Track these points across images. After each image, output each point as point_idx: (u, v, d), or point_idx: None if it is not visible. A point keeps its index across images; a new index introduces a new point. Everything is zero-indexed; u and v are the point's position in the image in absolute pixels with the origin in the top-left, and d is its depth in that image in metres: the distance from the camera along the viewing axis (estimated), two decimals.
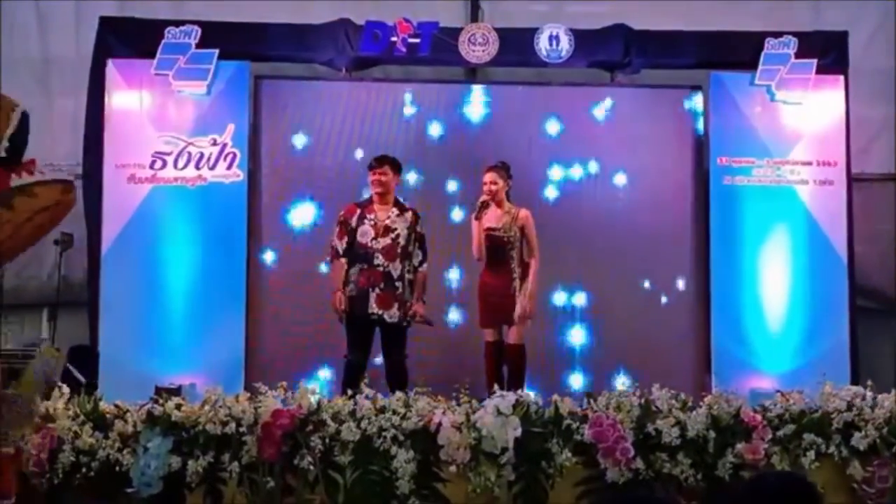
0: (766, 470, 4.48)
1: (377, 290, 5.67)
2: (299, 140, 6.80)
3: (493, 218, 5.84)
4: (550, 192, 6.79)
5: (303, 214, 6.73)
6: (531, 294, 5.81)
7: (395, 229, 5.77)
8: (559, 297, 6.72)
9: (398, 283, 5.73)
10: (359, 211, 5.83)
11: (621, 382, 6.19)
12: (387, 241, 5.74)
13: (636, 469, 4.56)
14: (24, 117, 3.31)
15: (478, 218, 5.84)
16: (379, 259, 5.71)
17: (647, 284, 6.80)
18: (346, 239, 5.80)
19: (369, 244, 5.73)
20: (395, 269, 5.73)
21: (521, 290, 5.76)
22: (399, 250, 5.75)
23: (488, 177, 5.87)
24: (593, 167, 6.88)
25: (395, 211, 5.84)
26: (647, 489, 4.48)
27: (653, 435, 4.63)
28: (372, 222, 5.77)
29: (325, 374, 6.49)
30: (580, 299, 6.77)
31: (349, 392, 4.83)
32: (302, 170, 6.81)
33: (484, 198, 5.83)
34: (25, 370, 3.42)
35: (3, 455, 3.36)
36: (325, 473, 4.52)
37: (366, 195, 6.02)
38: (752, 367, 6.52)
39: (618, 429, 4.59)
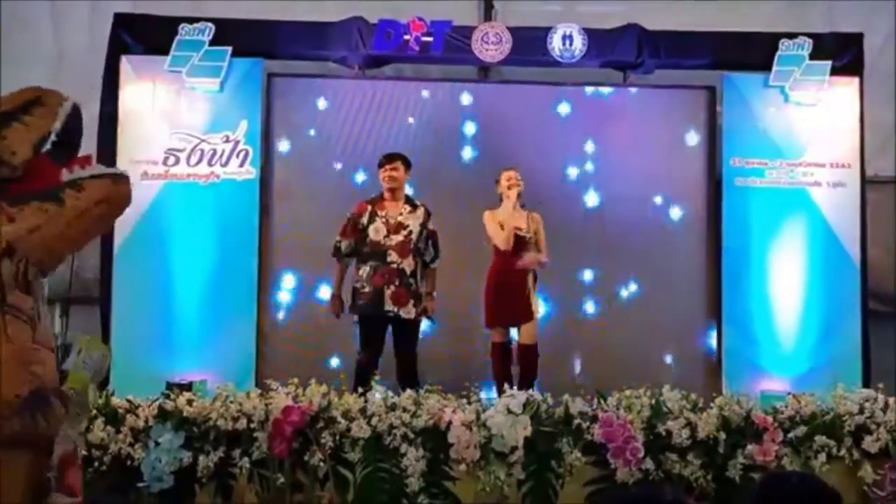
0: (785, 470, 4.47)
1: (392, 287, 5.67)
2: (312, 137, 6.81)
3: (519, 219, 5.84)
4: (562, 193, 6.77)
5: (314, 212, 6.73)
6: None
7: (408, 226, 5.77)
8: (568, 298, 6.71)
9: (412, 280, 5.73)
10: (370, 208, 5.83)
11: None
12: (399, 237, 5.74)
13: (646, 469, 4.57)
14: (75, 110, 3.31)
15: (523, 205, 5.82)
16: (392, 256, 5.71)
17: (658, 284, 6.78)
18: (352, 238, 5.80)
19: (382, 241, 5.73)
20: (409, 265, 5.73)
21: (534, 290, 5.78)
22: (412, 247, 5.75)
23: (513, 173, 5.86)
24: (605, 167, 6.87)
25: (407, 207, 5.84)
26: (656, 488, 4.47)
27: (663, 435, 4.64)
28: (384, 219, 5.77)
29: (335, 361, 6.49)
30: (590, 300, 6.75)
31: (360, 390, 4.84)
32: (314, 167, 6.82)
33: (518, 190, 5.80)
34: (73, 364, 3.43)
35: (64, 452, 3.38)
36: (334, 470, 4.54)
37: (377, 192, 6.03)
38: (764, 369, 6.49)
39: (628, 429, 4.60)
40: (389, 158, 5.89)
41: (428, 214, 5.88)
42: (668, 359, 6.68)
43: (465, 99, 6.95)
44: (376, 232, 5.75)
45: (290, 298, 6.71)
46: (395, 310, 5.67)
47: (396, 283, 5.68)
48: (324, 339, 6.56)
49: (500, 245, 5.76)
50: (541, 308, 6.15)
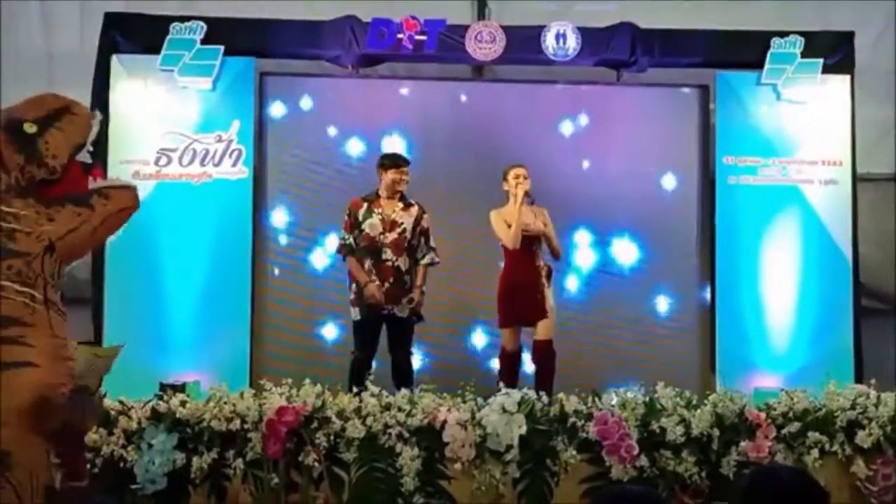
0: (774, 464, 4.49)
1: (387, 284, 5.65)
2: (305, 137, 6.80)
3: (527, 215, 5.78)
4: (556, 190, 6.76)
5: (308, 211, 6.73)
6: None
7: (402, 223, 5.75)
8: (562, 295, 6.71)
9: (406, 278, 5.72)
10: (365, 205, 5.81)
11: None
12: (394, 235, 5.72)
13: (640, 467, 4.58)
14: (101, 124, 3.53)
15: (531, 202, 5.76)
16: (388, 253, 5.70)
17: (652, 283, 6.80)
18: (353, 235, 5.79)
19: (377, 238, 5.72)
20: (404, 263, 5.72)
21: (549, 287, 5.74)
22: (406, 245, 5.74)
23: (521, 171, 5.79)
24: (599, 165, 6.88)
25: (401, 205, 5.82)
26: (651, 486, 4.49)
27: (657, 433, 4.66)
28: (380, 216, 5.76)
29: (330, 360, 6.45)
30: (583, 296, 6.76)
31: (355, 389, 4.84)
32: (307, 166, 6.80)
33: (524, 188, 5.72)
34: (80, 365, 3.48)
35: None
36: (329, 470, 4.54)
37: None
38: (757, 365, 6.50)
39: (622, 426, 4.61)
40: (403, 161, 5.86)
41: (422, 212, 5.86)
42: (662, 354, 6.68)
43: (459, 98, 6.95)
44: (372, 228, 5.73)
45: (283, 298, 6.69)
46: (390, 307, 5.66)
47: (392, 280, 5.67)
48: (318, 339, 6.56)
49: (508, 244, 5.71)
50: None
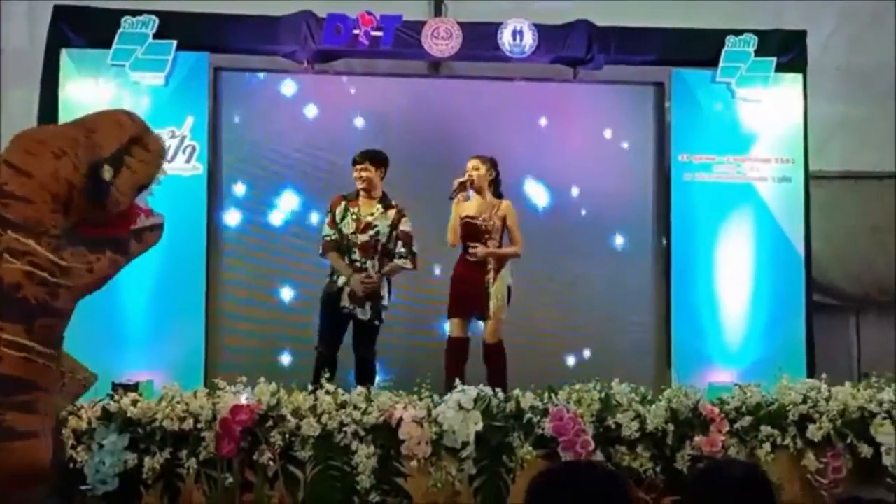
0: (726, 458, 4.53)
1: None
2: (260, 133, 6.74)
3: (471, 206, 5.76)
4: (510, 188, 6.75)
5: (263, 208, 6.67)
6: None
7: (376, 226, 5.67)
8: (518, 290, 6.71)
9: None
10: (343, 203, 5.74)
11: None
12: (365, 237, 5.65)
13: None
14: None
15: (451, 198, 5.71)
16: (356, 254, 5.63)
17: (607, 278, 6.84)
18: (335, 232, 5.70)
19: (348, 237, 5.65)
20: (372, 266, 5.64)
21: (494, 284, 5.67)
22: (379, 248, 5.67)
23: (471, 163, 5.79)
24: (555, 163, 6.90)
25: (380, 207, 5.72)
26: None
27: (613, 428, 4.67)
28: (354, 216, 5.68)
29: (286, 359, 6.46)
30: (538, 293, 6.76)
31: (320, 384, 4.79)
32: (262, 163, 6.74)
33: (462, 179, 5.72)
34: None
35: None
36: (284, 469, 4.49)
37: (328, 188, 5.98)
38: (711, 360, 6.57)
39: (578, 422, 4.62)
40: (361, 157, 5.77)
41: (401, 216, 5.75)
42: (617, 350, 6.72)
43: (416, 94, 6.92)
44: (347, 227, 5.66)
45: (239, 296, 6.62)
46: (351, 307, 5.61)
47: None
48: (274, 337, 6.51)
49: (448, 239, 5.73)
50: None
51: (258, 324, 6.59)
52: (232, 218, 6.67)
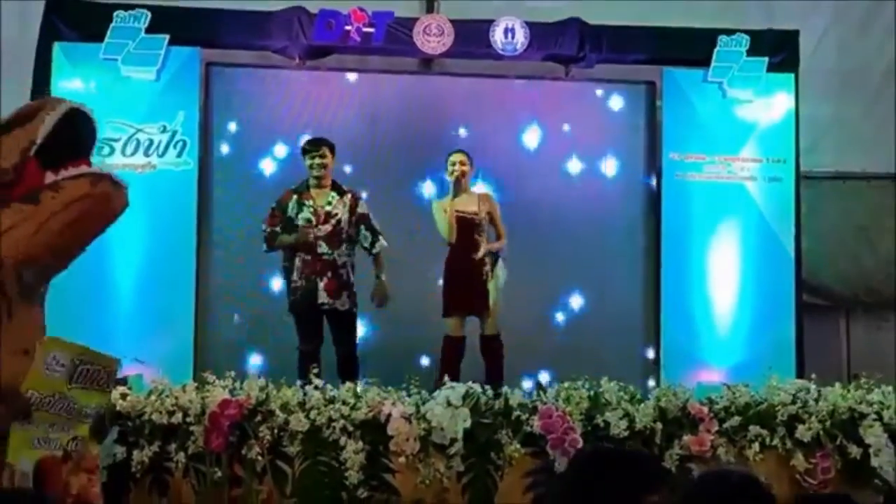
0: (726, 468, 4.51)
1: (325, 279, 5.56)
2: (251, 128, 6.73)
3: (461, 202, 5.75)
4: (502, 185, 6.77)
5: (253, 203, 6.65)
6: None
7: (336, 214, 5.61)
8: (508, 288, 6.71)
9: (342, 271, 5.61)
10: (295, 197, 5.66)
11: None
12: (328, 227, 5.60)
13: None
14: (70, 117, 3.31)
15: (455, 195, 5.71)
16: (322, 247, 5.58)
17: (598, 277, 6.84)
18: (279, 226, 5.64)
19: (310, 231, 5.58)
20: (340, 255, 5.60)
21: (492, 276, 5.71)
22: (344, 236, 5.63)
23: (458, 157, 5.78)
24: (546, 161, 6.90)
25: (334, 195, 5.66)
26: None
27: (601, 426, 4.66)
28: (311, 209, 5.61)
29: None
30: (530, 291, 6.76)
31: (308, 380, 4.78)
32: (253, 158, 6.73)
33: (457, 175, 5.71)
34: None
35: (43, 458, 3.34)
36: (273, 464, 4.48)
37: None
38: (701, 360, 6.58)
39: (567, 420, 4.62)
40: (316, 145, 5.68)
41: (356, 200, 5.72)
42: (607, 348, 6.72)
43: (407, 91, 6.92)
44: (305, 222, 5.58)
45: (228, 291, 6.61)
46: (330, 302, 5.58)
47: (329, 274, 5.56)
48: (262, 332, 6.50)
49: (443, 235, 5.72)
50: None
51: (248, 318, 6.57)
52: (222, 213, 6.66)
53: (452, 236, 5.71)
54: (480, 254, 5.67)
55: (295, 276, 5.63)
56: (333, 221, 5.60)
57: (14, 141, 3.24)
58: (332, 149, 5.72)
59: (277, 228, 5.67)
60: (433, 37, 6.64)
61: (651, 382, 6.29)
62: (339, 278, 5.59)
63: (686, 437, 4.71)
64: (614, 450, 2.79)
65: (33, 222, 3.22)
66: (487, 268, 5.72)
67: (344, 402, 4.58)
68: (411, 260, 6.23)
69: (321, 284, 5.56)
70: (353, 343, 5.72)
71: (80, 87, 6.41)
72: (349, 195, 5.71)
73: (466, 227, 5.71)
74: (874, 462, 4.81)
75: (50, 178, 3.27)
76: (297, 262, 5.62)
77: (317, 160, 5.63)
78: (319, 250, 5.58)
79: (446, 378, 4.88)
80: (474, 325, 5.80)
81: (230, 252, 6.64)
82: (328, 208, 5.62)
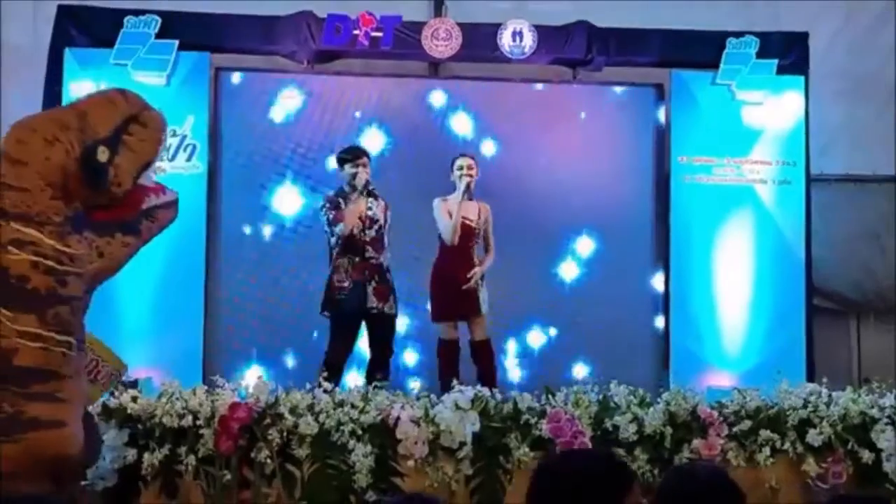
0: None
1: (374, 283, 5.56)
2: (260, 132, 6.75)
3: (467, 208, 5.75)
4: (511, 188, 6.77)
5: (262, 207, 6.68)
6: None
7: (378, 220, 5.65)
8: (518, 292, 6.71)
9: (388, 275, 5.65)
10: (341, 202, 5.64)
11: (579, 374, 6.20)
12: (373, 232, 5.62)
13: None
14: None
15: (470, 199, 5.72)
16: (370, 251, 5.59)
17: (606, 281, 6.83)
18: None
19: (358, 236, 5.57)
20: (385, 260, 5.64)
21: (483, 283, 5.72)
22: (386, 241, 5.67)
23: (466, 161, 5.77)
24: (555, 164, 6.90)
25: (372, 200, 5.68)
26: None
27: (610, 430, 4.65)
28: (357, 214, 5.60)
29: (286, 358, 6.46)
30: (539, 295, 6.76)
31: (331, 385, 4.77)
32: (262, 162, 6.75)
33: (467, 180, 5.70)
34: None
35: None
36: (282, 467, 4.48)
37: (327, 188, 5.94)
38: (710, 364, 6.57)
39: (575, 424, 4.60)
40: (356, 154, 5.71)
41: (387, 205, 5.77)
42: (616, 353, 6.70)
43: (415, 95, 6.93)
44: (352, 226, 5.57)
45: (237, 294, 6.63)
46: (379, 306, 5.57)
47: (377, 278, 5.57)
48: (273, 335, 6.53)
49: (446, 237, 5.71)
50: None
51: (257, 322, 6.58)
52: (231, 216, 6.68)
53: (455, 240, 5.71)
54: (476, 277, 5.66)
55: (342, 277, 5.56)
56: (376, 227, 5.63)
57: (130, 161, 3.19)
58: (369, 156, 5.76)
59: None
60: (441, 41, 6.65)
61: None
62: (385, 283, 5.61)
63: (696, 442, 4.69)
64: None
65: (131, 251, 3.23)
66: (479, 272, 5.72)
67: (353, 406, 4.58)
68: (422, 261, 6.21)
69: (370, 288, 5.54)
70: (392, 346, 5.72)
71: (91, 92, 6.42)
72: (382, 202, 5.73)
73: (467, 233, 5.74)
74: (886, 467, 4.76)
75: (146, 202, 3.28)
76: (345, 263, 5.57)
77: (360, 169, 5.63)
78: (367, 254, 5.58)
79: (455, 381, 4.87)
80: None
81: (240, 256, 6.66)
82: (369, 213, 5.64)
